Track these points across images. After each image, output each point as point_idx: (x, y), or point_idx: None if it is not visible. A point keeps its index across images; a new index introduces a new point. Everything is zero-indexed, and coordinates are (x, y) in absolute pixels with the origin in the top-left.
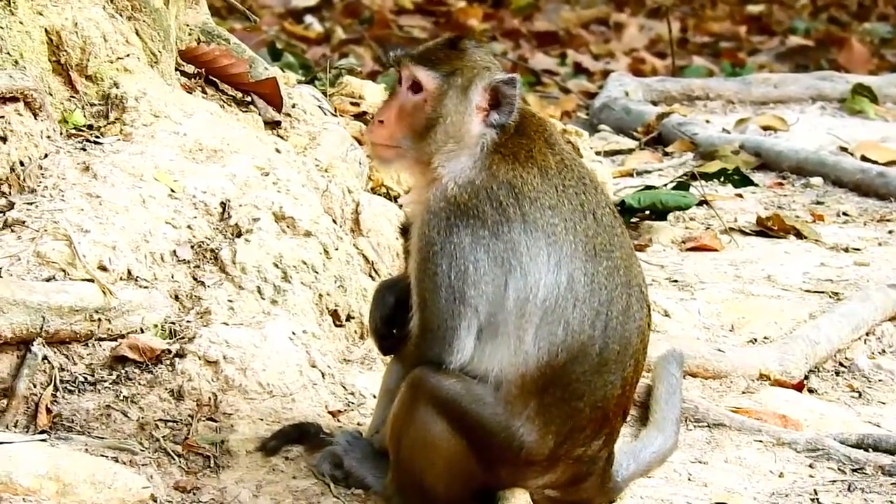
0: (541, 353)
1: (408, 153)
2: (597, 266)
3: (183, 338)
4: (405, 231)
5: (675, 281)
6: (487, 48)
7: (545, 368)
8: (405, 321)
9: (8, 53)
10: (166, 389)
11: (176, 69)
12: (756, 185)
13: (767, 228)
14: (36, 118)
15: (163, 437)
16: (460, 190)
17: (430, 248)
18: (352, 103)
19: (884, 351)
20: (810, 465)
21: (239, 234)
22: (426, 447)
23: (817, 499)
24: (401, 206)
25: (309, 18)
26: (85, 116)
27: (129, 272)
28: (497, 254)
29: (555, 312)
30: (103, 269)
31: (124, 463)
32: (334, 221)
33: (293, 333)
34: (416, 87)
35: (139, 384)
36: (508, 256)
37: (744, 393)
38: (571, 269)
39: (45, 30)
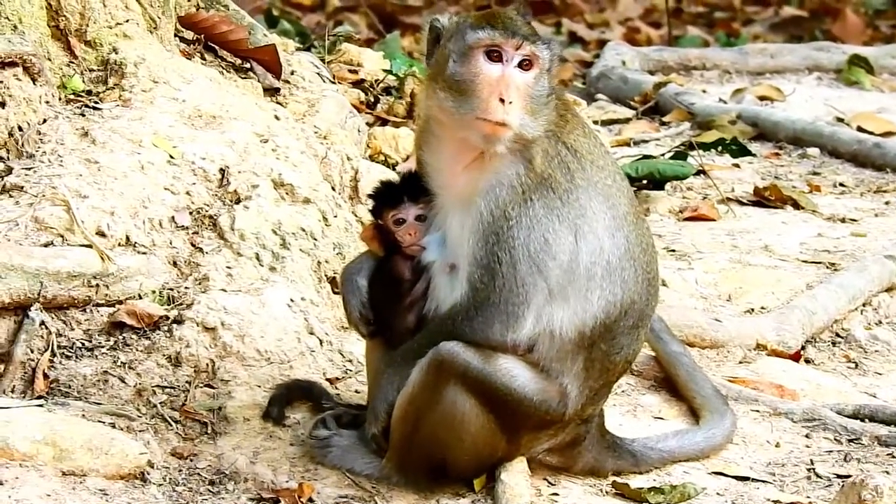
0: (601, 310)
1: (527, 132)
2: (642, 226)
3: (181, 304)
4: (384, 200)
5: (673, 251)
6: None
7: (601, 324)
8: (390, 302)
9: (7, 18)
10: (164, 356)
11: (175, 35)
12: (753, 155)
13: (764, 198)
14: (35, 83)
15: (160, 403)
16: (541, 160)
17: (505, 222)
18: (350, 70)
19: (880, 322)
20: (807, 436)
21: (238, 201)
22: (453, 426)
23: (813, 469)
24: (416, 177)
25: None
26: (84, 82)
27: (128, 238)
28: (570, 220)
29: (616, 272)
30: (101, 234)
31: (121, 429)
32: (333, 189)
33: (291, 300)
34: (526, 63)
35: (137, 350)
36: (579, 222)
37: (741, 363)
38: (627, 230)
39: None
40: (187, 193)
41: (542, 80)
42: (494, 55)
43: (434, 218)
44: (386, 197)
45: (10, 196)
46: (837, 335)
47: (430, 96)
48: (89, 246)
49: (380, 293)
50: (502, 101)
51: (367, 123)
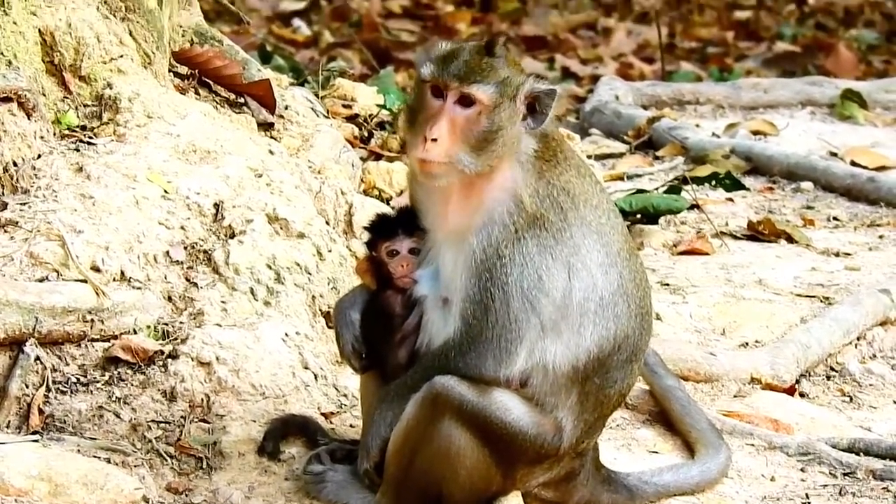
0: (594, 344)
1: (464, 168)
2: (635, 262)
3: (176, 339)
4: (380, 232)
5: (667, 284)
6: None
7: (594, 358)
8: (382, 336)
9: (1, 54)
10: (159, 390)
11: (169, 70)
12: (747, 189)
13: (758, 233)
14: (29, 118)
15: (155, 438)
16: (530, 199)
17: (497, 259)
18: (344, 105)
19: (874, 356)
20: (802, 469)
21: (232, 236)
22: (449, 460)
23: (809, 502)
24: (411, 212)
25: (297, 22)
26: (78, 117)
27: (122, 273)
28: (563, 258)
29: (609, 307)
30: (96, 269)
31: (116, 464)
32: (327, 223)
33: (286, 335)
34: (467, 100)
35: (132, 385)
36: (572, 259)
37: (735, 396)
38: (621, 267)
39: (39, 30)
40: (182, 228)
41: (489, 117)
42: (437, 91)
43: (427, 252)
44: (381, 228)
45: (5, 231)
46: (832, 369)
47: None
48: (84, 281)
49: (372, 327)
50: (426, 138)
51: (362, 158)
